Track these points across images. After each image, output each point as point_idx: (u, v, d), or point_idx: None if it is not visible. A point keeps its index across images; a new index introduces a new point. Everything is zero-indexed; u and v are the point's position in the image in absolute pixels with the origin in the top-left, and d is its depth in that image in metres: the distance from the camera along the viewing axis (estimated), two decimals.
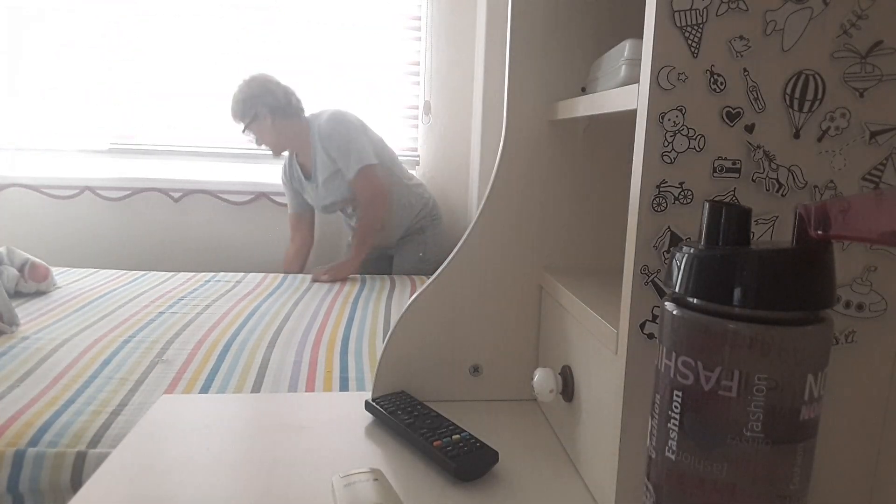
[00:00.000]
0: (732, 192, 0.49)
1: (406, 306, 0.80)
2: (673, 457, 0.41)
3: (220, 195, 2.74)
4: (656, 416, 0.42)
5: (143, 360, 1.42)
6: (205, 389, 1.28)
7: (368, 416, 0.77)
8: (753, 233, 0.50)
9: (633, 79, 0.55)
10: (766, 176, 0.49)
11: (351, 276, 2.35)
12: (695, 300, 0.39)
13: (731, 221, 0.39)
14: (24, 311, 1.76)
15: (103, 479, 0.62)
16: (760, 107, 0.48)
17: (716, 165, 0.49)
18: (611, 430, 0.56)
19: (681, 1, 0.46)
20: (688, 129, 0.48)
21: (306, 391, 1.30)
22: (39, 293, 1.98)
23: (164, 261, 2.75)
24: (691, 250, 0.39)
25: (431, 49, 2.69)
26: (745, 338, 0.37)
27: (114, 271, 2.36)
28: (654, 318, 0.51)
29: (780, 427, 0.38)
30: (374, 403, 0.75)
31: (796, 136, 0.49)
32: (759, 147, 0.49)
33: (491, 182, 0.78)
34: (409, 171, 2.51)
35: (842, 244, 0.52)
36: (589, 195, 0.79)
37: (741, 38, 0.47)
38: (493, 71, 2.40)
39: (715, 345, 0.38)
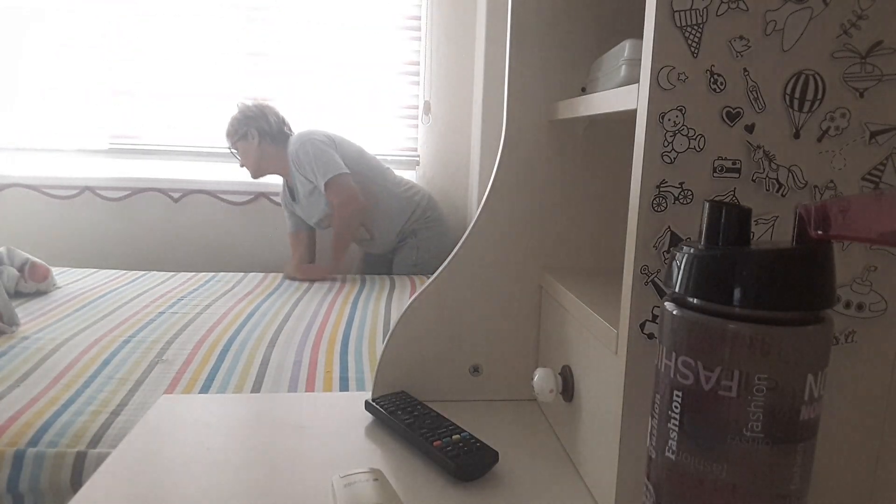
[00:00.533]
0: (732, 192, 0.49)
1: (406, 306, 0.80)
2: (673, 457, 0.41)
3: (220, 195, 2.74)
4: (656, 416, 0.42)
5: (143, 360, 1.42)
6: (205, 389, 1.28)
7: (368, 416, 0.77)
8: (753, 233, 0.50)
9: (633, 79, 0.55)
10: (766, 176, 0.49)
11: (350, 276, 2.36)
12: (695, 300, 0.39)
13: (731, 221, 0.39)
14: (24, 311, 1.76)
15: (103, 479, 0.62)
16: (760, 107, 0.48)
17: (716, 165, 0.49)
18: (611, 430, 0.56)
19: (681, 1, 0.46)
20: (688, 129, 0.48)
21: (306, 391, 1.30)
22: (39, 293, 1.98)
23: (164, 261, 2.75)
24: (691, 250, 0.39)
25: (431, 49, 2.69)
26: (745, 338, 0.37)
27: (114, 271, 2.36)
28: (654, 318, 0.51)
29: (780, 427, 0.38)
30: (374, 403, 0.75)
31: (796, 136, 0.49)
32: (759, 147, 0.49)
33: (491, 182, 0.78)
34: (400, 176, 2.52)
35: (842, 244, 0.52)
36: (589, 195, 0.79)
37: (741, 38, 0.47)
38: (493, 71, 2.40)
39: (715, 345, 0.38)
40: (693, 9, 0.46)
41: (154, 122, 2.68)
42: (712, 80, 0.48)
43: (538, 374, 0.69)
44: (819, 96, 0.49)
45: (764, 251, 0.37)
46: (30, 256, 2.00)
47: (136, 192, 2.70)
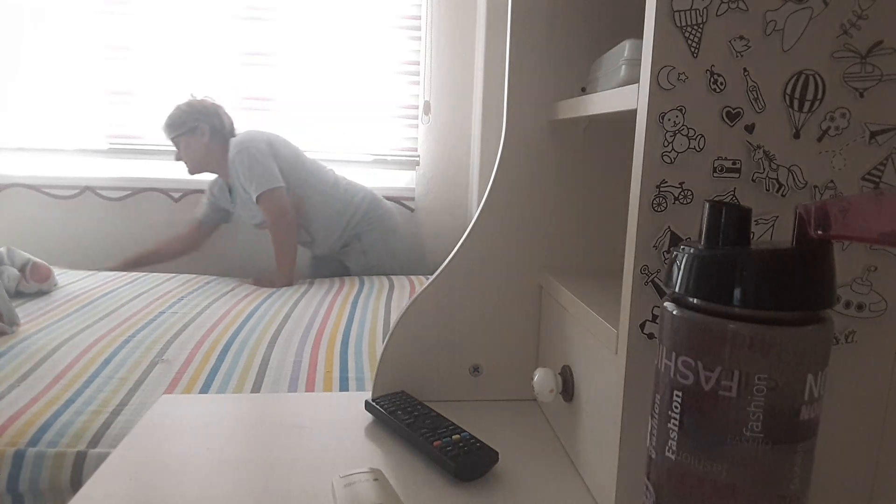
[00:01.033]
0: (732, 192, 0.49)
1: (406, 306, 0.80)
2: (673, 457, 0.41)
3: None
4: (656, 416, 0.42)
5: (143, 360, 1.42)
6: (205, 389, 1.28)
7: (368, 416, 0.77)
8: (753, 233, 0.50)
9: (633, 79, 0.55)
10: (766, 176, 0.49)
11: (350, 276, 2.36)
12: (695, 300, 0.39)
13: (731, 221, 0.39)
14: (25, 311, 1.76)
15: (103, 479, 0.62)
16: (760, 107, 0.48)
17: (716, 165, 0.49)
18: (611, 430, 0.56)
19: (681, 1, 0.46)
20: (688, 129, 0.48)
21: (306, 391, 1.30)
22: (41, 293, 1.98)
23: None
24: (691, 250, 0.39)
25: (431, 49, 2.69)
26: (745, 338, 0.37)
27: (114, 272, 2.36)
28: (654, 318, 0.51)
29: (780, 427, 0.38)
30: (374, 403, 0.75)
31: (796, 136, 0.49)
32: (759, 147, 0.49)
33: (491, 182, 0.78)
34: (342, 177, 2.48)
35: (842, 244, 0.52)
36: (589, 195, 0.79)
37: (741, 38, 0.47)
38: (493, 71, 2.40)
39: (715, 345, 0.38)
40: (693, 9, 0.46)
41: (154, 122, 2.67)
42: (712, 80, 0.48)
43: (538, 374, 0.69)
44: (819, 96, 0.49)
45: (764, 251, 0.37)
46: (31, 257, 2.00)
47: (136, 192, 2.70)
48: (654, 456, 0.42)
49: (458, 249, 0.79)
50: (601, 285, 0.71)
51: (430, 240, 2.79)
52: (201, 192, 2.75)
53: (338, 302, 1.96)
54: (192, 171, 2.37)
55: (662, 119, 0.48)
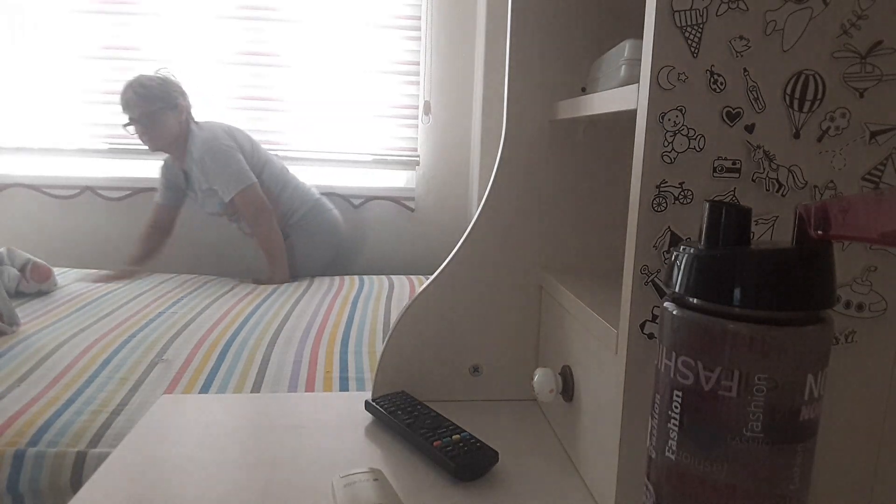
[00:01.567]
0: (732, 192, 0.49)
1: (406, 306, 0.80)
2: (673, 457, 0.41)
3: None
4: (656, 416, 0.42)
5: (143, 360, 1.42)
6: (205, 389, 1.28)
7: (368, 416, 0.77)
8: (753, 233, 0.50)
9: (633, 79, 0.55)
10: (766, 176, 0.49)
11: (349, 276, 2.36)
12: (695, 300, 0.39)
13: (731, 221, 0.39)
14: (25, 311, 1.76)
15: (103, 479, 0.62)
16: (760, 107, 0.48)
17: (716, 165, 0.49)
18: (611, 430, 0.56)
19: (681, 1, 0.46)
20: (688, 129, 0.48)
21: (306, 391, 1.30)
22: (41, 293, 1.98)
23: (164, 261, 2.75)
24: (691, 250, 0.39)
25: (431, 49, 2.69)
26: (745, 338, 0.37)
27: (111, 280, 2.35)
28: (654, 318, 0.51)
29: (780, 427, 0.38)
30: (374, 403, 0.75)
31: (796, 136, 0.49)
32: (759, 147, 0.49)
33: (491, 182, 0.78)
34: (288, 175, 2.43)
35: (842, 244, 0.52)
36: (589, 195, 0.79)
37: (741, 38, 0.47)
38: (493, 71, 2.40)
39: (715, 345, 0.38)
40: (693, 9, 0.46)
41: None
42: (712, 80, 0.48)
43: (538, 374, 0.69)
44: (819, 96, 0.49)
45: (764, 251, 0.37)
46: (31, 257, 2.00)
47: (136, 192, 2.70)
48: (654, 456, 0.42)
49: (458, 249, 0.79)
50: (601, 285, 0.71)
51: (431, 240, 2.79)
52: None
53: (338, 302, 1.96)
54: (155, 149, 2.23)
55: (662, 119, 0.48)
